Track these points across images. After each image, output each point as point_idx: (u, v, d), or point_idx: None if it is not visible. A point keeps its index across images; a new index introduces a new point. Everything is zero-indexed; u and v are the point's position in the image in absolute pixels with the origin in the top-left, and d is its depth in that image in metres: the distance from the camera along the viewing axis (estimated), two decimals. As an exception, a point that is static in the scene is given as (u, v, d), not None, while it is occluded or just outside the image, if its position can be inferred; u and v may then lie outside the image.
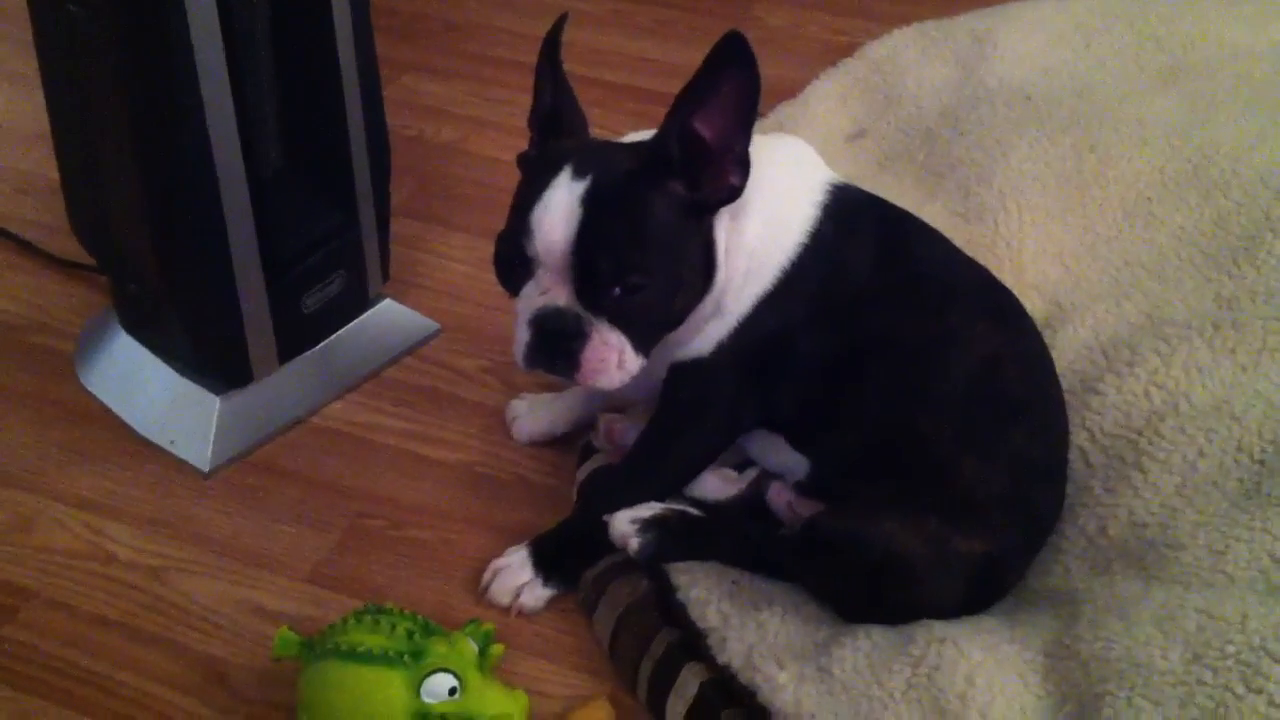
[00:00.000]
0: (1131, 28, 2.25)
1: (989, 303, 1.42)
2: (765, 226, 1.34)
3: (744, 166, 1.28)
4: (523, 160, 1.36)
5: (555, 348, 1.29)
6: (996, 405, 1.33)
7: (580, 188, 1.25)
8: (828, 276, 1.35)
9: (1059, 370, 1.45)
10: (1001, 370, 1.34)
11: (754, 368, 1.37)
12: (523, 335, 1.30)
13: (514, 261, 1.29)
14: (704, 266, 1.31)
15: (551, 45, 1.35)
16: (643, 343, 1.30)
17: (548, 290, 1.28)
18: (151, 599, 1.44)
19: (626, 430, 1.53)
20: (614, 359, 1.29)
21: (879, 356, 1.35)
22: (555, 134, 1.35)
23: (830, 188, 1.38)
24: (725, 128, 1.26)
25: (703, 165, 1.27)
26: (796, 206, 1.36)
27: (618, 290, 1.25)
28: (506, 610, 1.41)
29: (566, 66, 1.37)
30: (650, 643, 1.33)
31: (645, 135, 1.34)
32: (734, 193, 1.29)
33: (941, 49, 2.24)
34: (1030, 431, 1.34)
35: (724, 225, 1.32)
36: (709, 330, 1.36)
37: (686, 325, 1.34)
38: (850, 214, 1.38)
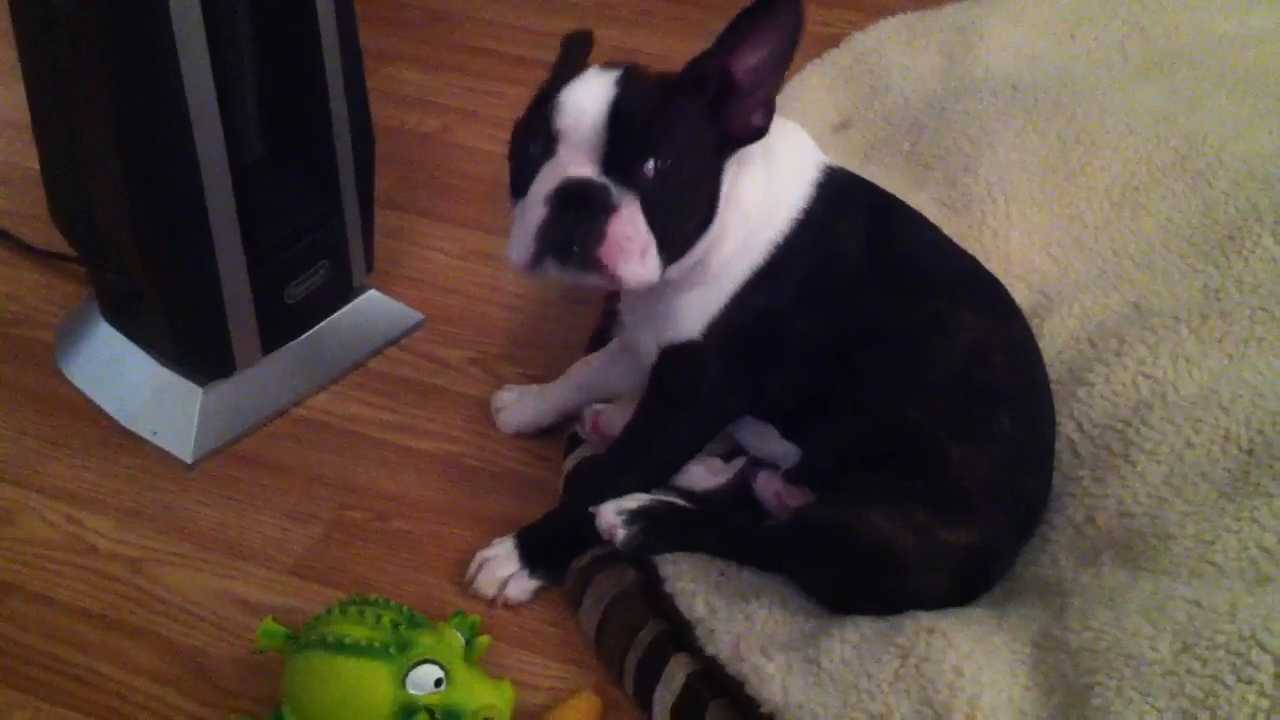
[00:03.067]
0: (1116, 17, 2.25)
1: (975, 290, 1.41)
2: (762, 196, 1.33)
3: (769, 109, 1.27)
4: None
5: (578, 222, 1.21)
6: (983, 393, 1.33)
7: (612, 74, 1.25)
8: (817, 259, 1.35)
9: (1047, 360, 1.44)
10: (988, 358, 1.34)
11: (742, 352, 1.36)
12: (536, 215, 1.22)
13: (532, 142, 1.25)
14: (709, 202, 1.29)
15: (577, 47, 1.37)
16: (664, 241, 1.24)
17: (570, 167, 1.22)
18: (133, 591, 1.43)
19: (612, 420, 1.52)
20: (639, 244, 1.22)
21: (865, 343, 1.34)
22: None
23: (825, 168, 1.38)
24: (760, 67, 1.25)
25: (729, 101, 1.26)
26: (791, 183, 1.35)
27: (650, 165, 1.22)
28: (492, 602, 1.41)
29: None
30: (637, 634, 1.32)
31: None
32: (757, 133, 1.27)
33: (927, 39, 2.23)
34: (1017, 419, 1.34)
35: (727, 181, 1.30)
36: (698, 304, 1.34)
37: (676, 295, 1.33)
38: (842, 196, 1.37)
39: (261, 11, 1.52)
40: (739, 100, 1.26)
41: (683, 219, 1.27)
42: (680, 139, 1.24)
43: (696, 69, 1.26)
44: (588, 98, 1.23)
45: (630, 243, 1.21)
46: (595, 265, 1.22)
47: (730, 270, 1.34)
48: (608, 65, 1.28)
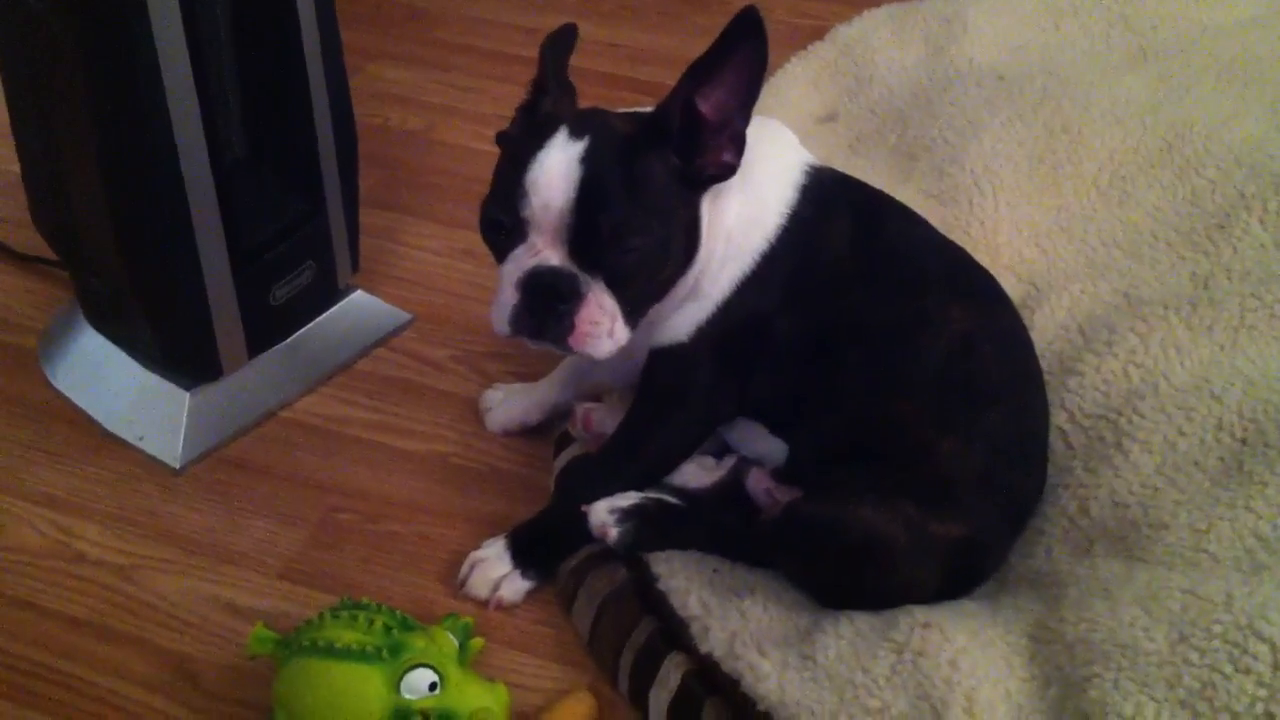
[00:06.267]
0: (1100, 6, 2.25)
1: (964, 284, 1.41)
2: (744, 208, 1.33)
3: (739, 144, 1.27)
4: (503, 137, 1.34)
5: (547, 310, 1.25)
6: (972, 387, 1.32)
7: (578, 148, 1.23)
8: (805, 259, 1.35)
9: (1037, 351, 1.44)
10: (977, 351, 1.34)
11: (733, 352, 1.36)
12: (509, 298, 1.26)
13: (504, 225, 1.26)
14: (688, 242, 1.30)
15: (560, 47, 1.36)
16: (632, 311, 1.28)
17: (540, 251, 1.25)
18: (121, 597, 1.42)
19: (603, 419, 1.51)
20: (606, 325, 1.26)
21: (855, 339, 1.34)
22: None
23: (808, 169, 1.38)
24: (727, 104, 1.25)
25: (698, 140, 1.26)
26: (775, 189, 1.35)
27: (616, 250, 1.23)
28: (485, 603, 1.40)
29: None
30: (631, 633, 1.31)
31: (631, 110, 1.34)
32: (727, 170, 1.28)
33: (911, 30, 2.23)
34: (1007, 412, 1.33)
35: (706, 206, 1.31)
36: (687, 313, 1.35)
37: (664, 306, 1.33)
38: (827, 196, 1.37)
39: (241, 11, 1.51)
40: (708, 138, 1.26)
41: (653, 286, 1.29)
42: (648, 214, 1.25)
43: (663, 113, 1.26)
44: (554, 184, 1.22)
45: (597, 327, 1.26)
46: (566, 346, 1.27)
47: (718, 282, 1.34)
48: (577, 124, 1.26)
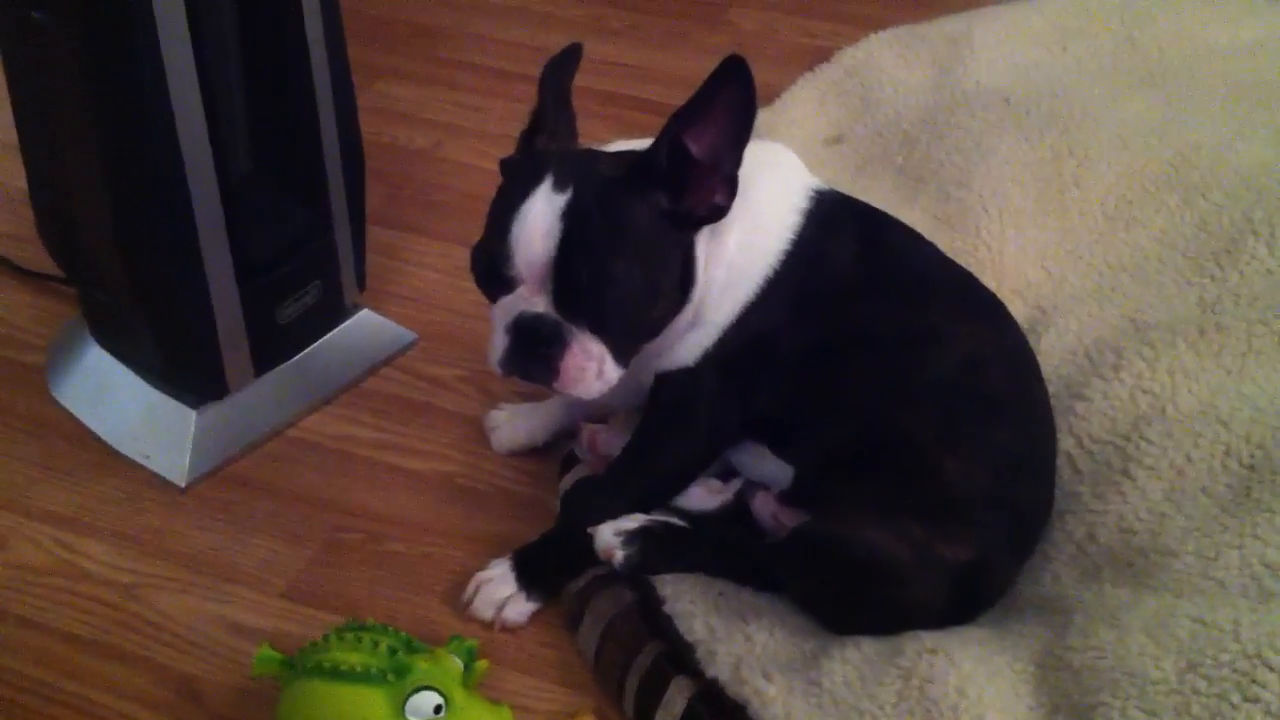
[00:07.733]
0: (1108, 28, 2.26)
1: (969, 301, 1.41)
2: (747, 236, 1.33)
3: (731, 187, 1.27)
4: (506, 164, 1.35)
5: (534, 354, 1.28)
6: (978, 403, 1.32)
7: (561, 201, 1.24)
8: (810, 278, 1.35)
9: (1044, 376, 1.43)
10: (983, 368, 1.33)
11: (738, 369, 1.36)
12: (500, 340, 1.29)
13: (492, 276, 1.28)
14: (682, 279, 1.30)
15: (562, 71, 1.37)
16: (622, 352, 1.29)
17: (527, 298, 1.27)
18: (125, 616, 1.42)
19: (609, 440, 1.51)
20: (593, 368, 1.28)
21: (861, 356, 1.34)
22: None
23: (812, 193, 1.38)
24: (716, 146, 1.25)
25: (689, 181, 1.26)
26: (779, 214, 1.35)
27: (598, 300, 1.25)
28: (489, 625, 1.39)
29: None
30: (636, 656, 1.31)
31: (628, 144, 1.34)
32: (718, 212, 1.28)
33: (918, 52, 2.23)
34: (1014, 430, 1.33)
35: (704, 237, 1.31)
36: (691, 340, 1.35)
37: (666, 336, 1.33)
38: (832, 217, 1.37)
39: (249, 26, 1.51)
40: (699, 178, 1.27)
41: (643, 327, 1.30)
42: (630, 261, 1.25)
43: (652, 154, 1.27)
44: (535, 239, 1.24)
45: (582, 372, 1.28)
46: (553, 389, 1.30)
47: (721, 309, 1.34)
48: (563, 171, 1.26)
